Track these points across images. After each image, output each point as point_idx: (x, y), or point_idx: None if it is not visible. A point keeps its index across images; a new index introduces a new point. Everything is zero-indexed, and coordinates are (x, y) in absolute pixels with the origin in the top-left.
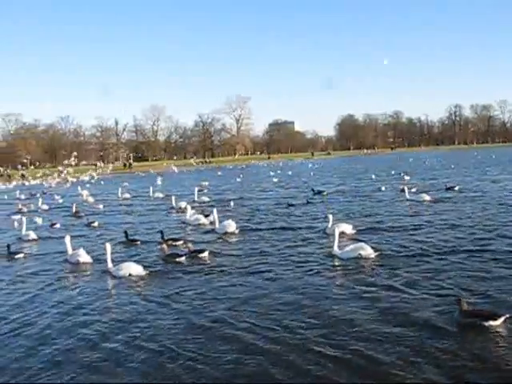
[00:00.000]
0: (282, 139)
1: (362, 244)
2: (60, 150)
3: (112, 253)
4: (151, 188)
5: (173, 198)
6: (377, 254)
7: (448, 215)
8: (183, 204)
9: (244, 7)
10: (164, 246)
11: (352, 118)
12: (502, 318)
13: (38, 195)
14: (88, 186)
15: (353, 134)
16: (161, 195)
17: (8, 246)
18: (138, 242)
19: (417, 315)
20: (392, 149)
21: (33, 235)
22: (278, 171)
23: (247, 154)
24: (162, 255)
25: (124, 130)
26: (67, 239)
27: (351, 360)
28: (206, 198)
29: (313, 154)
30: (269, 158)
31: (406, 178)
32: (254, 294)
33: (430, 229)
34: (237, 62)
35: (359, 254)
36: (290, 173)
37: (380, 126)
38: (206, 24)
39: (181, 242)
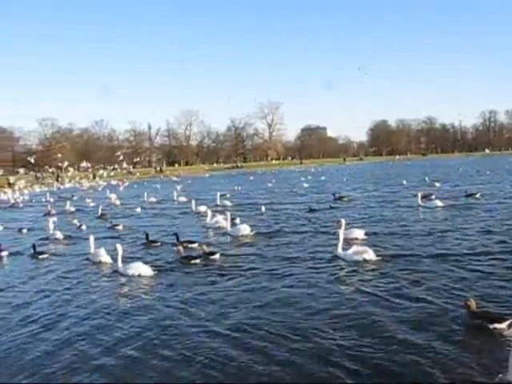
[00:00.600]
0: (313, 144)
1: (365, 247)
2: (94, 154)
3: (132, 252)
4: (175, 192)
5: (193, 202)
6: (378, 257)
7: (455, 221)
8: (203, 208)
9: (281, 10)
10: (180, 247)
11: (385, 123)
12: (508, 322)
13: (67, 198)
14: (121, 189)
15: (385, 140)
16: (185, 199)
17: (33, 246)
18: (158, 244)
19: (426, 319)
20: (423, 155)
21: (59, 235)
22: (309, 176)
23: (279, 159)
24: (177, 257)
25: (157, 134)
26: (91, 239)
27: (363, 361)
28: (228, 203)
29: (345, 160)
30: (301, 163)
31: (437, 184)
32: (256, 296)
33: (436, 234)
34: (270, 66)
35: (360, 257)
36: (323, 178)
37: (413, 131)
38: (239, 29)
39: (195, 245)
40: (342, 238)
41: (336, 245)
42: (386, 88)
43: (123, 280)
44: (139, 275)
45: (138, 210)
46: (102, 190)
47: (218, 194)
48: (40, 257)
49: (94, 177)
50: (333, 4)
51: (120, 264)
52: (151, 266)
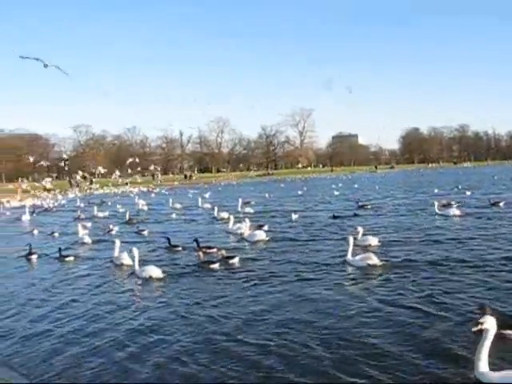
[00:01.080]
0: (345, 152)
1: (370, 254)
2: (126, 161)
3: (155, 256)
4: (200, 199)
5: (215, 208)
6: (382, 263)
7: (468, 230)
8: (225, 214)
9: (310, 15)
10: (200, 253)
11: (417, 131)
12: None
13: (95, 204)
14: (152, 195)
15: (417, 148)
16: (209, 206)
17: (59, 250)
18: (180, 248)
19: (434, 323)
20: (455, 163)
21: (87, 239)
22: (340, 184)
23: (310, 166)
24: (198, 261)
25: (188, 141)
26: (117, 243)
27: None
28: (250, 209)
29: (376, 168)
30: (332, 170)
31: (468, 193)
32: (265, 303)
33: (446, 242)
34: (301, 74)
35: (365, 263)
36: (355, 185)
37: (445, 139)
38: (271, 37)
39: (214, 250)
40: (351, 244)
41: (347, 251)
42: (418, 95)
43: (139, 281)
44: (150, 277)
45: (164, 215)
46: (133, 196)
47: (240, 200)
48: (66, 259)
49: (126, 184)
50: (367, 10)
51: (137, 267)
52: (170, 268)
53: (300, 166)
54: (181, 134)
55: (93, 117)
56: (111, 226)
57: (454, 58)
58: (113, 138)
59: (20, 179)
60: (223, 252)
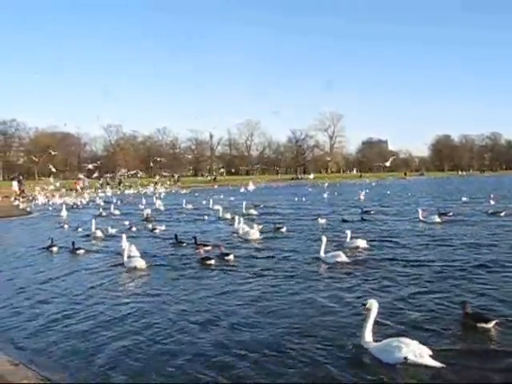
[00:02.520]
0: (374, 158)
1: (340, 252)
2: (156, 161)
3: (163, 250)
4: (211, 200)
5: (220, 209)
6: (350, 260)
7: (447, 235)
8: (229, 215)
9: (345, 18)
10: (200, 250)
11: (448, 138)
12: (493, 322)
13: (110, 202)
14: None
15: (448, 155)
16: (219, 207)
17: (73, 243)
18: (184, 244)
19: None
20: (482, 172)
21: (99, 234)
22: (367, 190)
23: (339, 171)
24: (197, 257)
25: (218, 143)
26: (124, 237)
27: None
28: (253, 211)
29: (405, 174)
30: (360, 176)
31: (492, 202)
32: (239, 295)
33: (424, 246)
34: (333, 78)
35: (335, 260)
36: (388, 192)
37: (476, 147)
38: (303, 40)
39: (210, 247)
40: (324, 243)
41: (320, 249)
42: (449, 102)
43: (125, 270)
44: (135, 267)
45: (177, 215)
46: (155, 195)
47: (244, 203)
48: (77, 252)
49: (156, 183)
50: (400, 12)
51: (125, 258)
52: (168, 261)
53: (332, 173)
54: (211, 137)
55: (124, 117)
56: (127, 223)
57: (485, 64)
58: (143, 138)
59: (80, 176)
60: (222, 248)
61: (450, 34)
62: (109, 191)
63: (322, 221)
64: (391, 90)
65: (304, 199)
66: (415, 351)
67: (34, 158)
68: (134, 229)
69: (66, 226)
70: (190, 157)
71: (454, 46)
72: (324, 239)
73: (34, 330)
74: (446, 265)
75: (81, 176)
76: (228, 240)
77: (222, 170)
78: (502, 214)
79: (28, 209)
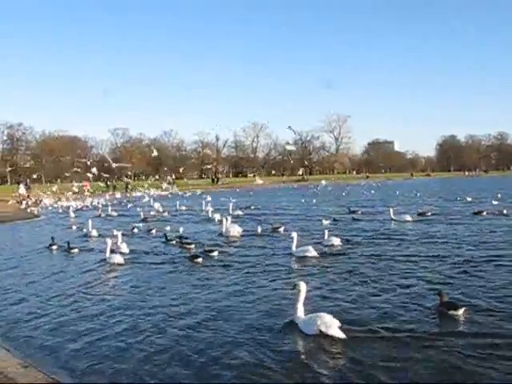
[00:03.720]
0: (380, 159)
1: (310, 247)
2: (163, 164)
3: (152, 248)
4: (203, 202)
5: (210, 210)
6: (317, 255)
7: (415, 233)
8: (218, 216)
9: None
10: (190, 247)
11: (454, 138)
12: (463, 309)
13: (105, 205)
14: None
15: (454, 155)
16: (211, 209)
17: (68, 243)
18: (173, 242)
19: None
20: (485, 172)
21: (94, 233)
22: (372, 191)
23: (345, 172)
24: (186, 255)
25: (224, 145)
26: (119, 235)
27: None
28: (240, 212)
29: (412, 175)
30: (367, 177)
31: (494, 202)
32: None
33: (392, 241)
34: (339, 78)
35: (305, 254)
36: (397, 192)
37: (483, 147)
38: (308, 40)
39: (192, 246)
40: (295, 239)
41: (291, 244)
42: (455, 102)
43: (108, 266)
44: (114, 263)
45: (172, 216)
46: (170, 198)
47: (230, 204)
48: (71, 251)
49: (173, 183)
50: (406, 10)
51: (108, 254)
52: (154, 258)
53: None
54: (217, 139)
55: (131, 120)
56: (135, 225)
57: (490, 63)
58: (149, 141)
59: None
60: (205, 247)
61: (456, 32)
62: (118, 194)
63: (326, 222)
64: (397, 91)
65: (303, 200)
66: (327, 324)
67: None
68: (135, 230)
69: (74, 227)
70: (196, 159)
71: (460, 46)
72: (295, 235)
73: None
74: (410, 259)
75: (90, 175)
76: (214, 239)
77: (220, 172)
78: (484, 214)
79: (36, 212)
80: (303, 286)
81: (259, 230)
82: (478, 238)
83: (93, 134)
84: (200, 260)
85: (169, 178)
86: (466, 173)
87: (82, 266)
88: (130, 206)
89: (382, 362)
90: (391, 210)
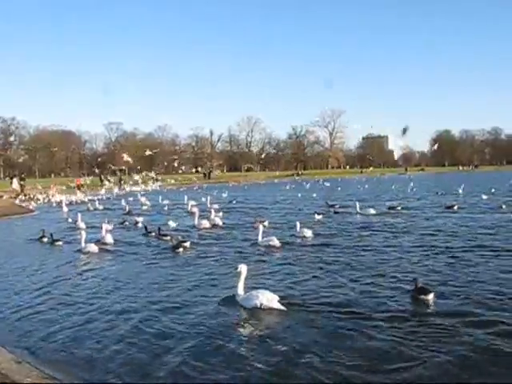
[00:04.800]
0: (374, 153)
1: (273, 237)
2: (156, 158)
3: (132, 238)
4: (186, 197)
5: (189, 203)
6: (280, 244)
7: (375, 225)
8: (196, 209)
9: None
10: (173, 238)
11: (448, 133)
12: (432, 294)
13: (93, 200)
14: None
15: (448, 150)
16: (194, 203)
17: (51, 235)
18: (153, 234)
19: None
20: (476, 167)
21: (82, 225)
22: (366, 186)
23: (339, 167)
24: (166, 245)
25: (219, 140)
26: (104, 227)
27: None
28: (216, 206)
29: (406, 170)
30: (361, 172)
31: (484, 197)
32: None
33: (352, 232)
34: (333, 74)
35: (269, 244)
36: (393, 187)
37: (477, 142)
38: (303, 35)
39: (168, 238)
40: (261, 230)
41: (258, 235)
42: (449, 97)
43: (83, 255)
44: (88, 252)
45: (155, 210)
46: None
47: (209, 198)
48: (56, 243)
49: (157, 180)
50: (401, 5)
51: (83, 244)
52: (133, 248)
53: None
54: (211, 133)
55: (125, 115)
56: (137, 218)
57: (484, 58)
58: (144, 135)
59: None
60: (179, 237)
61: (449, 27)
62: (116, 189)
63: (318, 216)
64: (391, 86)
65: (281, 197)
66: (268, 298)
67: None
68: (140, 224)
69: (67, 221)
70: (190, 154)
71: (455, 41)
72: (261, 227)
73: None
74: (366, 249)
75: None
76: (189, 231)
77: (212, 166)
78: (456, 208)
79: (30, 207)
80: (244, 268)
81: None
82: (441, 228)
83: (87, 129)
84: (181, 250)
85: (153, 174)
86: (460, 167)
87: (61, 257)
88: (116, 199)
89: (317, 331)
90: (357, 204)
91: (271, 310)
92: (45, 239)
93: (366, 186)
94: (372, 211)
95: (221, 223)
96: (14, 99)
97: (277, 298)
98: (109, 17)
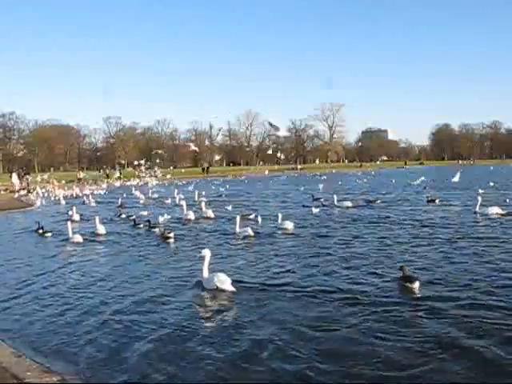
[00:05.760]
0: (374, 147)
1: (248, 228)
2: (155, 152)
3: (121, 229)
4: (175, 190)
5: (177, 196)
6: (254, 234)
7: (351, 218)
8: (183, 202)
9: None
10: (161, 229)
11: (448, 127)
12: (417, 283)
13: (91, 193)
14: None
15: (448, 144)
16: (182, 196)
17: (42, 228)
18: (141, 226)
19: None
20: (473, 161)
21: (76, 217)
22: (365, 180)
23: (339, 161)
24: (158, 235)
25: (218, 134)
26: (97, 219)
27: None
28: (203, 199)
29: (406, 164)
30: (360, 166)
31: (481, 191)
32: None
33: (327, 224)
34: (333, 67)
35: (245, 234)
36: (393, 181)
37: (477, 136)
38: (299, 29)
39: (157, 230)
40: (238, 222)
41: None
42: (449, 91)
43: (69, 245)
44: (73, 242)
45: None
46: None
47: (196, 192)
48: (46, 235)
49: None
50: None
51: (70, 235)
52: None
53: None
54: (210, 127)
55: (124, 109)
56: (121, 210)
57: (484, 52)
58: (143, 129)
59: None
60: (163, 229)
61: (449, 21)
62: (117, 183)
63: (315, 210)
64: (391, 80)
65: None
66: (221, 281)
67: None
68: (123, 216)
69: (70, 213)
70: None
71: (455, 34)
72: (238, 219)
73: None
74: (339, 239)
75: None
76: (176, 222)
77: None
78: (437, 202)
79: (30, 201)
80: (207, 253)
81: (252, 216)
82: (417, 220)
83: (86, 123)
84: (172, 240)
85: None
86: (460, 162)
87: (49, 247)
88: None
89: (265, 310)
90: (335, 196)
91: (225, 291)
92: (40, 231)
93: (365, 180)
94: (349, 204)
95: (212, 215)
96: (13, 94)
97: (229, 280)
98: (108, 11)
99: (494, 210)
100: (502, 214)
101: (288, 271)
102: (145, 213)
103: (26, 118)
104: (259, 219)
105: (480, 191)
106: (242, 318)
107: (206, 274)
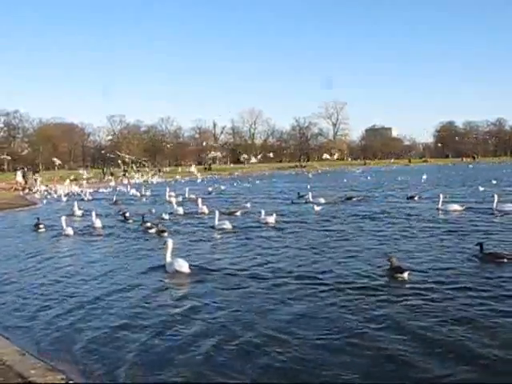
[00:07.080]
0: (378, 145)
1: (226, 221)
2: (159, 150)
3: (113, 223)
4: (167, 188)
5: (167, 193)
6: (232, 227)
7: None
8: (173, 199)
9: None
10: (146, 225)
11: (452, 125)
12: (407, 272)
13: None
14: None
15: (452, 142)
16: (173, 194)
17: (38, 219)
18: (131, 221)
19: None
20: (474, 158)
21: (78, 212)
22: (369, 177)
23: (343, 159)
24: (153, 231)
25: (221, 132)
26: (93, 214)
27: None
28: (192, 196)
29: (410, 161)
30: (364, 163)
31: (481, 188)
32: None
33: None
34: (336, 65)
35: (222, 227)
36: (399, 178)
37: (481, 133)
38: (302, 27)
39: (149, 224)
40: (217, 216)
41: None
42: (453, 88)
43: (62, 238)
44: (66, 235)
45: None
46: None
47: (187, 189)
48: (39, 230)
49: (160, 171)
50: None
51: (64, 227)
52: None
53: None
54: (214, 125)
55: (126, 107)
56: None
57: (488, 50)
58: (147, 127)
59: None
60: (160, 226)
61: (453, 19)
62: (125, 181)
63: (317, 208)
64: (392, 79)
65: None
66: (180, 265)
67: None
68: (153, 210)
69: (74, 209)
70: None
71: (459, 32)
72: (217, 213)
73: None
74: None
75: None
76: (168, 218)
77: (214, 158)
78: (416, 198)
79: (34, 199)
80: (170, 242)
81: (238, 213)
82: (388, 215)
83: (90, 121)
84: (166, 234)
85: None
86: (464, 159)
87: (43, 240)
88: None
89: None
90: (310, 193)
91: (183, 273)
92: (41, 226)
93: (369, 178)
94: (322, 200)
95: (207, 211)
96: (14, 93)
97: (187, 264)
98: (109, 10)
99: (454, 207)
100: (460, 211)
101: (254, 259)
102: (140, 209)
103: (30, 116)
104: (239, 214)
105: (481, 189)
106: (194, 298)
107: (168, 259)
